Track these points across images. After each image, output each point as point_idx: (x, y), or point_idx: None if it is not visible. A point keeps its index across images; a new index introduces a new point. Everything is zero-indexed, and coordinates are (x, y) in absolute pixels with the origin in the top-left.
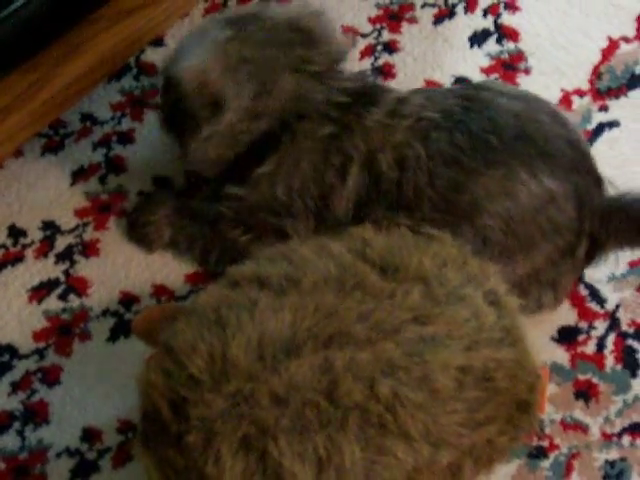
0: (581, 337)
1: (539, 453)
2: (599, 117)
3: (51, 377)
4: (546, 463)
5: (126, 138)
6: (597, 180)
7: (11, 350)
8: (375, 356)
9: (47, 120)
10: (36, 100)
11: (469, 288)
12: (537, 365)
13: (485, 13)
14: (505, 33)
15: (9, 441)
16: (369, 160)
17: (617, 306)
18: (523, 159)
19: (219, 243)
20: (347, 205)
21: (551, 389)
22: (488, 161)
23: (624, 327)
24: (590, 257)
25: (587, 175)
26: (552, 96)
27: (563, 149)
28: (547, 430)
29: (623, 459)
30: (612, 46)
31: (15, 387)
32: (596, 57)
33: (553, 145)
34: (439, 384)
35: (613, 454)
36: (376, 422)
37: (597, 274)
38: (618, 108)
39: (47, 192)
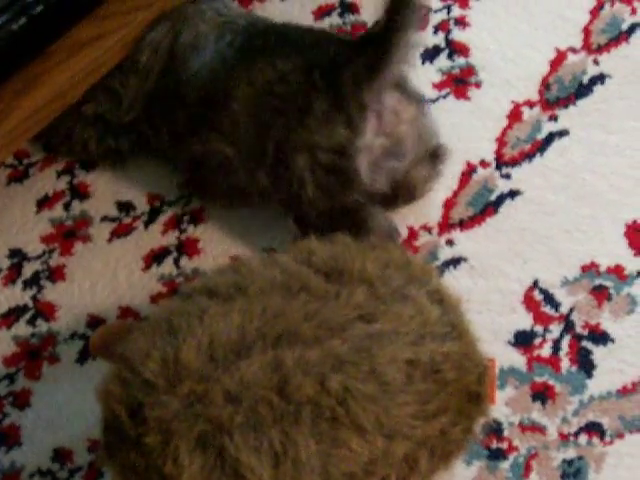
0: (537, 341)
1: (498, 455)
2: (549, 127)
3: (21, 401)
4: (505, 464)
5: (89, 164)
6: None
7: None
8: (323, 353)
9: (11, 150)
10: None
11: (412, 287)
12: (484, 357)
13: (436, 30)
14: (456, 49)
15: None
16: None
17: (571, 309)
18: (266, 52)
19: None
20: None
21: (508, 392)
22: (246, 59)
23: (578, 329)
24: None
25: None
26: (503, 108)
27: (302, 35)
28: (505, 432)
29: (580, 457)
30: (560, 57)
31: None
32: (544, 69)
33: (294, 35)
34: (388, 377)
35: (570, 453)
36: (329, 416)
37: (551, 279)
38: (567, 117)
39: (13, 220)
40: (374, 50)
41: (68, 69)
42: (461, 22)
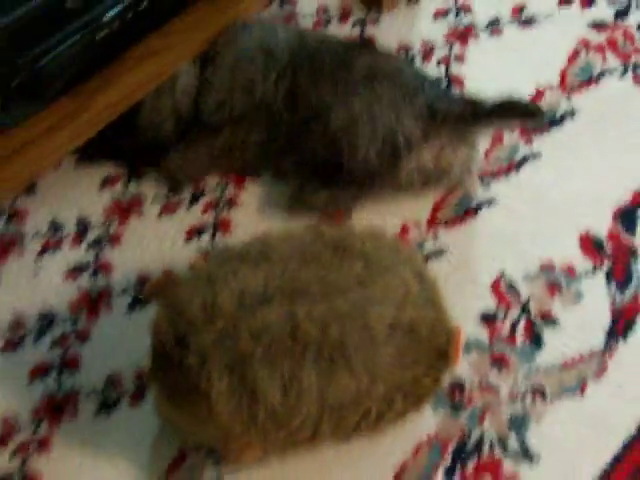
0: (499, 321)
1: (459, 406)
2: (525, 150)
3: (82, 337)
4: (465, 414)
5: None
6: None
7: (51, 316)
8: (327, 308)
9: (86, 137)
10: (78, 120)
11: (400, 266)
12: (452, 325)
13: (438, 63)
14: (453, 80)
15: (49, 384)
16: None
17: (529, 298)
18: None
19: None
20: None
21: (472, 358)
22: None
23: (533, 314)
24: None
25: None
26: (487, 132)
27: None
28: (466, 389)
29: (525, 413)
30: (539, 93)
31: (54, 344)
32: None
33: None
34: (376, 331)
35: (517, 409)
36: (327, 356)
37: (515, 273)
38: (541, 143)
39: (81, 195)
40: (467, 117)
41: (136, 74)
42: (460, 58)
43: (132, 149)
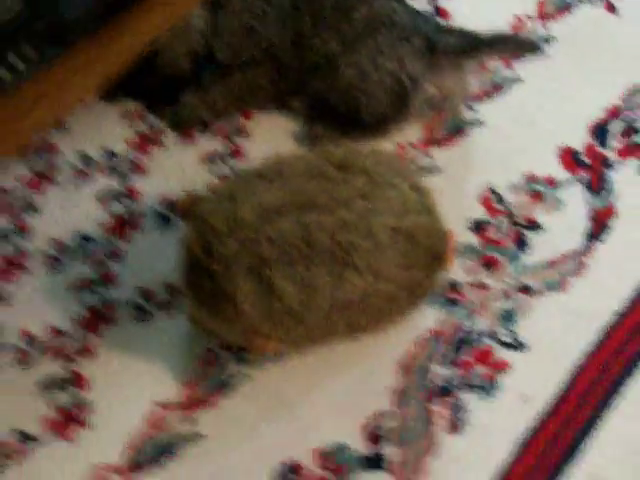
0: (489, 227)
1: (455, 302)
2: (506, 73)
3: (116, 255)
4: (459, 309)
5: None
6: None
7: (87, 237)
8: (335, 218)
9: (108, 78)
10: (101, 62)
11: (398, 179)
12: (446, 230)
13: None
14: (442, 14)
15: (90, 297)
16: None
17: (513, 205)
18: None
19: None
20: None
21: (466, 262)
22: None
23: (519, 220)
24: None
25: None
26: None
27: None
28: (461, 288)
29: (513, 308)
30: (519, 22)
31: (91, 262)
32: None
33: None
34: (379, 237)
35: (506, 304)
36: (337, 260)
37: (501, 184)
38: (522, 68)
39: (106, 129)
40: (466, 49)
41: (152, 18)
42: None
43: (151, 87)
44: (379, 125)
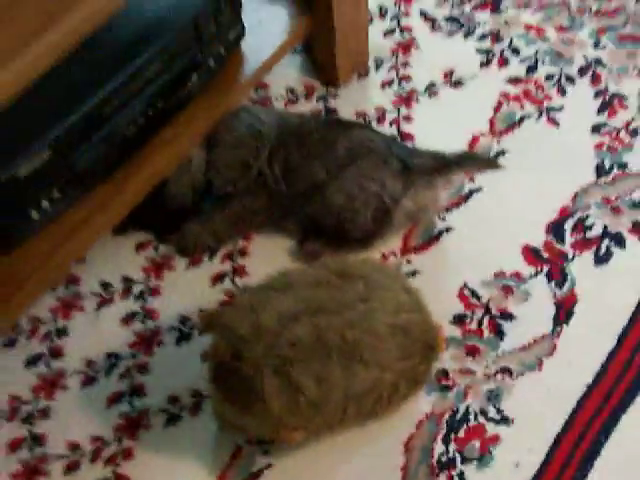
0: (467, 320)
1: (446, 388)
2: (469, 186)
3: (143, 368)
4: (451, 394)
5: None
6: None
7: (115, 355)
8: (342, 319)
9: (121, 216)
10: (114, 203)
11: (390, 283)
12: (435, 325)
13: (391, 124)
14: (405, 136)
15: (124, 407)
16: None
17: (488, 300)
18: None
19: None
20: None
21: (451, 351)
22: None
23: (493, 312)
24: None
25: None
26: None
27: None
28: (450, 374)
29: (497, 388)
30: (475, 140)
31: (121, 376)
32: (465, 146)
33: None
34: (380, 334)
35: (491, 385)
36: (347, 356)
37: (475, 281)
38: (482, 178)
39: (122, 258)
40: (438, 169)
41: (156, 160)
42: (407, 118)
43: (158, 219)
44: (366, 240)
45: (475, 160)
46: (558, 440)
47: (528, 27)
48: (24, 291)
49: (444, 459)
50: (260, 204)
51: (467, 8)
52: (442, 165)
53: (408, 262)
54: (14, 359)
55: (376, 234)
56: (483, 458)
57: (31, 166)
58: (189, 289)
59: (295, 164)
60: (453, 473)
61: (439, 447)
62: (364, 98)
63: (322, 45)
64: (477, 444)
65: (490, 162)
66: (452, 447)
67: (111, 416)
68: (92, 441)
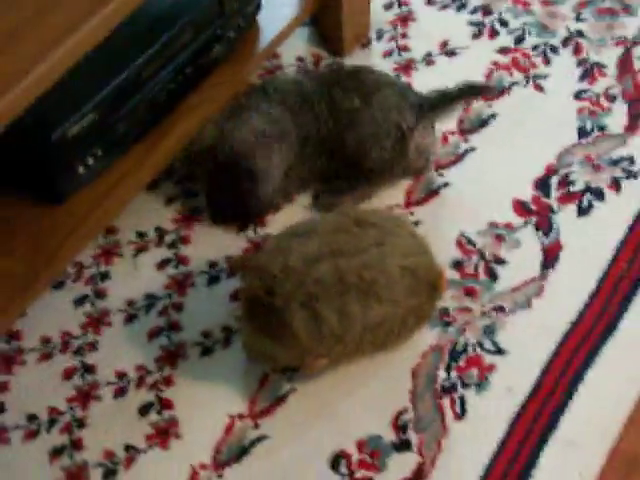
0: (465, 265)
1: (448, 323)
2: (464, 146)
3: (179, 307)
4: (452, 328)
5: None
6: None
7: (153, 295)
8: (360, 261)
9: (152, 176)
10: (147, 163)
11: (399, 229)
12: (439, 267)
13: None
14: None
15: (163, 341)
16: None
17: (482, 247)
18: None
19: None
20: None
21: (452, 292)
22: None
23: (488, 258)
24: None
25: None
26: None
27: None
28: (451, 312)
29: (493, 324)
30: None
31: (159, 314)
32: None
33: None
34: (392, 274)
35: (486, 321)
36: (363, 292)
37: (471, 231)
38: (475, 139)
39: (154, 211)
40: (444, 104)
41: (185, 123)
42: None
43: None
44: (384, 171)
45: (474, 88)
46: (546, 368)
47: (516, 1)
48: (71, 240)
49: (447, 385)
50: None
51: None
52: (447, 99)
53: (411, 214)
54: (63, 300)
55: (393, 164)
56: (481, 384)
57: (79, 127)
58: (216, 238)
59: (337, 99)
60: (455, 396)
61: (442, 374)
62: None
63: (329, 18)
64: (475, 372)
65: (488, 89)
66: (453, 374)
67: (152, 348)
68: (136, 369)
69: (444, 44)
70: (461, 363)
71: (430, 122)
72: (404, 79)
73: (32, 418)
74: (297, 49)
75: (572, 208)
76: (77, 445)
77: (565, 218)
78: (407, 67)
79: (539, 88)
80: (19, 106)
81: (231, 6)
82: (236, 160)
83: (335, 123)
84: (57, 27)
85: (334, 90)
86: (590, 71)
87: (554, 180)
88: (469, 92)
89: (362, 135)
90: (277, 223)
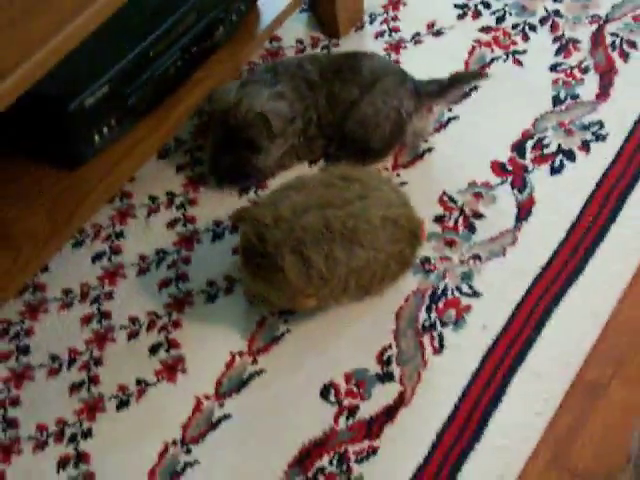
0: (446, 219)
1: (429, 270)
2: (448, 114)
3: (186, 260)
4: (433, 275)
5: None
6: None
7: (163, 251)
8: (344, 211)
9: (164, 143)
10: (159, 130)
11: (382, 184)
12: (419, 217)
13: None
14: None
15: (172, 290)
16: None
17: (463, 204)
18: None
19: None
20: None
21: (433, 243)
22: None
23: (467, 212)
24: None
25: None
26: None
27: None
28: (432, 261)
29: (470, 270)
30: None
31: (168, 266)
32: None
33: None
34: (375, 222)
35: (465, 268)
36: (348, 239)
37: (452, 189)
38: (459, 108)
39: (166, 178)
40: (440, 92)
41: (193, 95)
42: (396, 62)
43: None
44: (383, 150)
45: (465, 76)
46: (518, 307)
47: None
48: (88, 202)
49: (427, 324)
50: (312, 131)
51: None
52: (443, 88)
53: (398, 175)
54: (82, 256)
55: (392, 145)
56: (458, 322)
57: (94, 98)
58: (221, 200)
59: (336, 92)
60: (434, 334)
61: (423, 315)
62: (361, 47)
63: (325, 3)
64: (453, 312)
65: (477, 74)
66: (433, 315)
67: (162, 296)
68: (147, 315)
69: (431, 25)
70: (440, 305)
71: (426, 108)
72: (394, 57)
73: (54, 358)
74: (297, 32)
75: (545, 168)
76: (94, 380)
77: (539, 176)
78: (397, 46)
79: (518, 62)
80: (33, 77)
81: None
82: (244, 129)
83: (337, 110)
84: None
85: (336, 80)
86: (565, 46)
87: (529, 143)
88: (461, 80)
89: (364, 118)
90: (275, 183)
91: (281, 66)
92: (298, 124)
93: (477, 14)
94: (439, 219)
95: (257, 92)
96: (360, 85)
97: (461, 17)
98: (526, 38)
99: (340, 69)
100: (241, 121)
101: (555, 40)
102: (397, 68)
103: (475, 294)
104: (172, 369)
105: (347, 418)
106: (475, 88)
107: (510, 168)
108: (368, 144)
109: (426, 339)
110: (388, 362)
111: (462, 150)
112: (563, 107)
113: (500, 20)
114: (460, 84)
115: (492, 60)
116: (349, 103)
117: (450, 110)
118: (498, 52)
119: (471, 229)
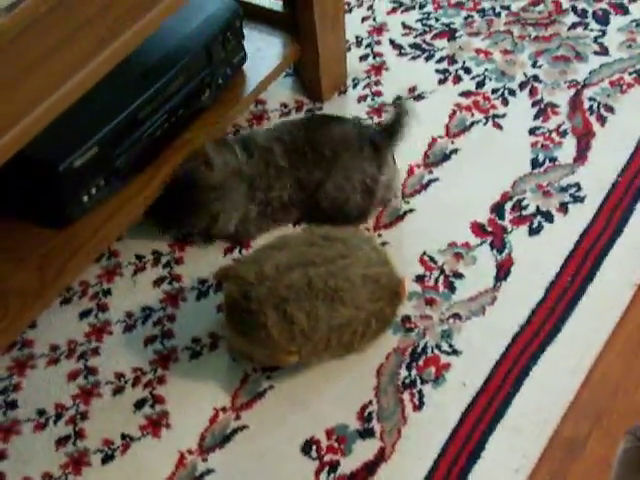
0: (427, 279)
1: (409, 329)
2: (428, 177)
3: (172, 318)
4: (413, 333)
5: None
6: None
7: (149, 308)
8: (326, 270)
9: (148, 204)
10: (144, 192)
11: (363, 244)
12: (400, 276)
13: None
14: None
15: (157, 347)
16: None
17: (443, 264)
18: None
19: None
20: None
21: (413, 302)
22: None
23: (447, 273)
24: None
25: None
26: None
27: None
28: (412, 319)
29: (450, 329)
30: (434, 141)
31: (154, 324)
32: None
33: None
34: (355, 281)
35: (445, 327)
36: (330, 297)
37: (433, 249)
38: (439, 171)
39: (151, 236)
40: (390, 136)
41: (178, 157)
42: (378, 125)
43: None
44: (361, 215)
45: (399, 116)
46: (496, 366)
47: (478, 51)
48: (76, 260)
49: (407, 381)
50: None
51: (428, 37)
52: (394, 131)
53: (379, 235)
54: (70, 313)
55: (368, 209)
56: (437, 380)
57: (83, 159)
58: (206, 259)
59: (302, 177)
60: (414, 391)
61: (404, 372)
62: (343, 110)
63: (309, 68)
64: (433, 370)
65: (404, 111)
66: (414, 372)
67: (147, 353)
68: (133, 371)
69: (413, 89)
70: (420, 362)
71: (390, 155)
72: (377, 119)
73: (41, 413)
74: (281, 96)
75: (524, 229)
76: (80, 434)
77: (517, 237)
78: (379, 110)
79: (497, 126)
80: (23, 140)
81: (219, 57)
82: (189, 180)
83: (307, 191)
84: (57, 72)
85: (300, 164)
86: (544, 110)
87: (508, 205)
88: (399, 121)
89: (333, 197)
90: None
91: (251, 139)
92: (259, 196)
93: (458, 79)
94: (420, 278)
95: (219, 158)
96: (322, 167)
97: (442, 82)
98: (506, 102)
99: (303, 151)
100: (188, 174)
101: (534, 104)
102: (353, 132)
103: (455, 352)
104: (156, 424)
105: (328, 473)
106: (455, 151)
107: (490, 229)
108: (344, 214)
109: (406, 396)
110: (369, 418)
111: (442, 211)
112: (542, 169)
113: (480, 85)
114: (401, 117)
115: (472, 124)
116: (316, 184)
117: (431, 172)
118: (478, 116)
119: (451, 288)
